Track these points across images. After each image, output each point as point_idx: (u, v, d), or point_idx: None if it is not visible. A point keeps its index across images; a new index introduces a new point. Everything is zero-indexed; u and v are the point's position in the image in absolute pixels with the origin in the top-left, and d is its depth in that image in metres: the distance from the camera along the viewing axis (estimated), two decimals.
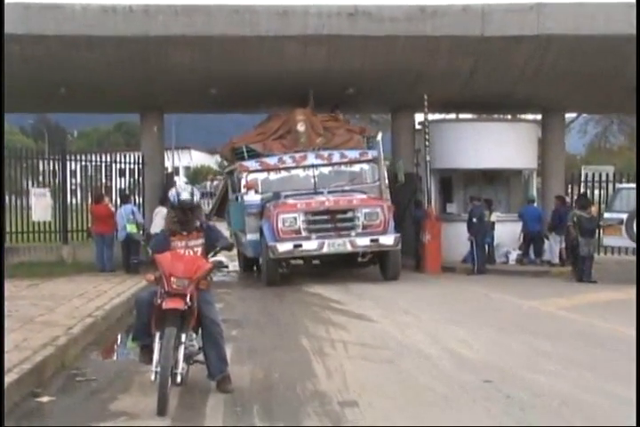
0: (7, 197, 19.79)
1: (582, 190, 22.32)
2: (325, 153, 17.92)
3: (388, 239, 16.24)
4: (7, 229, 18.80)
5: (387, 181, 17.85)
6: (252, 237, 17.30)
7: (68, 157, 21.00)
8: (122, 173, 22.56)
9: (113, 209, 19.15)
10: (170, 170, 39.29)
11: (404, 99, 20.60)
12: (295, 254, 16.42)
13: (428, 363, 8.50)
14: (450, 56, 17.63)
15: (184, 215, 7.23)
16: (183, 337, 6.77)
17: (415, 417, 6.34)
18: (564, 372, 7.97)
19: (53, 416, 6.58)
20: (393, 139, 22.73)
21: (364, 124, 29.63)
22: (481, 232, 18.81)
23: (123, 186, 22.29)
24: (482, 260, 18.74)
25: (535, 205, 20.56)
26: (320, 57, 17.45)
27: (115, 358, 10.09)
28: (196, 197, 7.31)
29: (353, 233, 16.27)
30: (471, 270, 18.49)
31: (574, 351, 9.16)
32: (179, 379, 6.69)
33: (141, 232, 17.81)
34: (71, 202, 22.00)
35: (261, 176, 17.83)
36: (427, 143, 19.30)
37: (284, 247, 16.01)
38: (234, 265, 19.48)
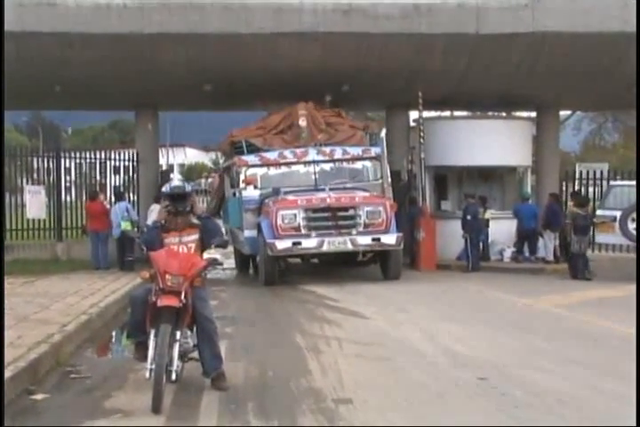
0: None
1: (576, 188, 22.34)
2: (327, 149, 17.54)
3: (389, 239, 15.87)
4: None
5: (389, 179, 17.56)
6: (249, 233, 16.91)
7: (62, 155, 20.97)
8: (116, 170, 22.52)
9: (108, 206, 19.13)
10: (164, 167, 39.22)
11: (398, 96, 20.58)
12: (294, 252, 16.09)
13: (423, 360, 8.51)
14: (444, 53, 17.63)
15: (177, 203, 7.24)
16: (178, 334, 6.76)
17: (410, 414, 6.35)
18: (558, 369, 7.98)
19: (48, 414, 6.58)
20: (387, 136, 22.71)
21: (358, 121, 29.54)
22: (475, 230, 18.80)
23: (117, 183, 22.27)
24: (476, 257, 18.74)
25: (530, 202, 20.58)
26: (315, 54, 17.43)
27: (109, 355, 10.09)
28: (188, 186, 7.47)
29: (354, 231, 15.89)
30: (466, 268, 18.50)
31: (569, 349, 9.17)
32: (173, 376, 6.70)
33: (136, 229, 17.78)
34: (66, 199, 21.95)
35: (261, 171, 17.39)
36: (421, 141, 19.27)
37: (283, 245, 15.63)
38: (229, 263, 19.49)
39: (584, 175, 22.58)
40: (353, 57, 17.53)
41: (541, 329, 10.62)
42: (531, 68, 18.21)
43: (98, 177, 22.72)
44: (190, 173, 77.74)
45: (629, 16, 16.27)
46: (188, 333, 7.15)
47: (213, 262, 7.31)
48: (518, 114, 25.60)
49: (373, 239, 15.82)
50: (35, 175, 22.14)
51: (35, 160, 21.92)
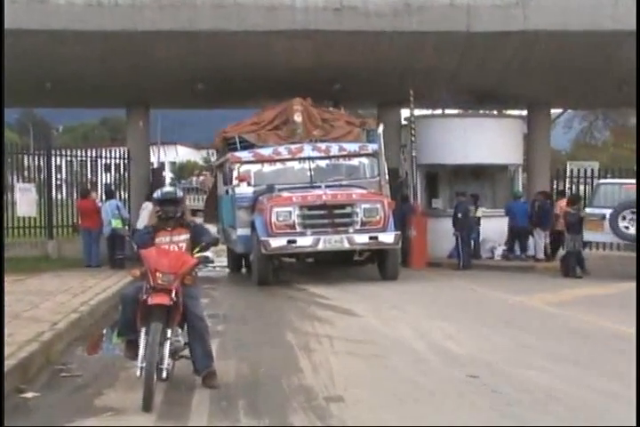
0: None
1: (562, 187, 22.39)
2: (323, 145, 17.12)
3: (387, 237, 15.46)
4: None
5: (387, 177, 17.14)
6: (242, 232, 16.50)
7: (53, 152, 20.96)
8: (107, 168, 22.50)
9: (99, 204, 19.10)
10: (155, 165, 39.18)
11: (390, 94, 20.61)
12: (289, 251, 15.61)
13: (414, 358, 8.51)
14: (436, 51, 17.63)
15: (168, 209, 7.23)
16: (169, 333, 6.76)
17: (401, 412, 6.35)
18: (549, 366, 7.99)
19: (38, 412, 6.55)
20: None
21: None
22: (466, 228, 18.82)
23: (108, 181, 22.24)
24: (467, 255, 18.77)
25: (522, 200, 20.61)
26: (307, 52, 17.41)
27: (100, 353, 10.06)
28: (179, 192, 7.46)
29: (351, 230, 15.43)
30: (457, 266, 18.53)
31: (560, 346, 9.18)
32: (164, 374, 6.69)
33: (127, 227, 17.74)
34: (56, 197, 21.92)
35: (254, 168, 16.94)
36: (412, 138, 19.30)
37: (278, 243, 15.18)
38: (220, 260, 19.49)
39: (575, 173, 22.64)
40: (345, 55, 17.52)
41: (532, 327, 10.64)
42: (522, 66, 18.24)
43: (89, 175, 22.68)
44: (182, 171, 77.73)
45: (621, 15, 16.30)
46: (179, 331, 7.14)
47: (204, 260, 7.31)
48: (509, 112, 25.67)
49: (371, 238, 15.39)
50: (25, 173, 22.10)
51: (25, 158, 21.89)
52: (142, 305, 6.76)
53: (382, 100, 22.13)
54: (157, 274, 6.72)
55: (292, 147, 17.09)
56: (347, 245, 15.42)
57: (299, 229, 15.45)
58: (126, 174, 21.88)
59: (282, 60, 17.63)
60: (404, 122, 21.73)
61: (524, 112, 24.37)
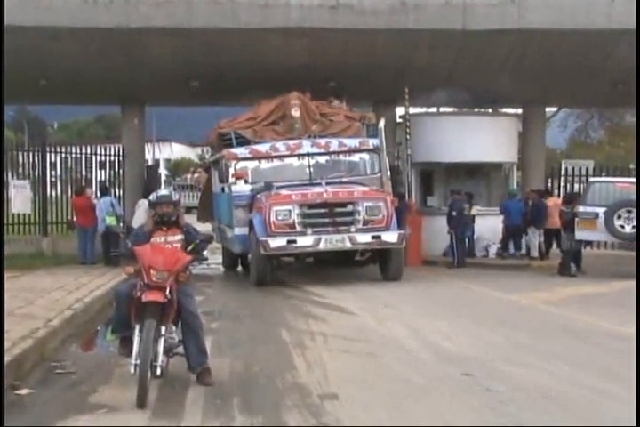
0: None
1: (557, 185, 22.44)
2: (322, 141, 16.54)
3: (390, 236, 14.95)
4: None
5: (388, 173, 16.49)
6: (239, 231, 15.93)
7: (47, 149, 20.92)
8: (102, 165, 22.47)
9: (95, 201, 19.06)
10: (150, 162, 39.13)
11: (385, 92, 20.60)
12: (289, 251, 15.10)
13: (409, 356, 8.51)
14: (431, 49, 17.65)
15: (164, 212, 7.25)
16: (163, 330, 6.76)
17: (395, 410, 6.35)
18: (543, 365, 7.99)
19: (33, 409, 6.55)
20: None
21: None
22: (461, 226, 18.81)
23: (103, 178, 22.22)
24: (462, 253, 18.77)
25: (518, 198, 20.60)
26: (302, 50, 17.40)
27: (94, 350, 10.04)
28: (175, 195, 7.50)
29: (353, 229, 14.90)
30: (451, 264, 18.54)
31: (554, 345, 9.19)
32: (158, 371, 6.69)
33: (121, 224, 17.72)
34: (51, 194, 21.89)
35: (251, 165, 16.33)
36: (407, 137, 19.28)
37: (277, 243, 14.64)
38: (214, 258, 19.45)
39: (570, 172, 22.65)
40: (340, 53, 17.53)
41: (526, 325, 10.64)
42: (517, 64, 18.26)
43: (84, 172, 22.65)
44: (176, 168, 77.61)
45: (616, 13, 16.34)
46: (173, 328, 7.15)
47: (199, 258, 7.32)
48: (504, 110, 25.65)
49: (373, 237, 14.89)
50: (20, 170, 22.06)
51: (20, 155, 21.83)
52: (136, 302, 6.76)
53: (377, 98, 22.10)
54: (151, 271, 6.72)
55: (291, 143, 16.58)
56: (349, 245, 14.95)
57: (299, 229, 14.95)
58: (121, 171, 21.85)
59: (277, 57, 17.62)
60: (399, 120, 21.72)
61: (520, 110, 24.38)
